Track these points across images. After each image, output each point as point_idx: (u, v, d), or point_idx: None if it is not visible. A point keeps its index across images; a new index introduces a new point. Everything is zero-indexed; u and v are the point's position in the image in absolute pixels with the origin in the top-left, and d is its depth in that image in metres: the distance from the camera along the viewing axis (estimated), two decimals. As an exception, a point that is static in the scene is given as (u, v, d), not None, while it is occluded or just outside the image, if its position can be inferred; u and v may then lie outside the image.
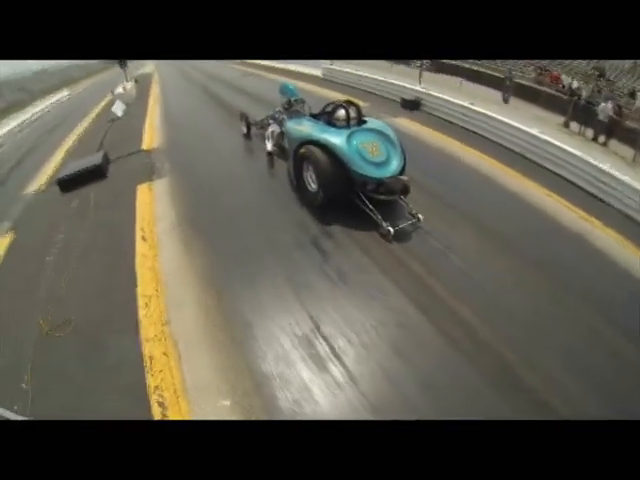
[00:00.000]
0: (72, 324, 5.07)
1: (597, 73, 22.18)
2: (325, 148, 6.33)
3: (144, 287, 5.47)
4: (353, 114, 6.88)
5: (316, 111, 8.19)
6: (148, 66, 47.80)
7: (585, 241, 6.26)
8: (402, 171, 6.43)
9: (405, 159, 6.61)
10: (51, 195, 9.75)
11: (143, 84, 26.86)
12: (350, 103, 7.10)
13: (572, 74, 21.75)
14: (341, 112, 6.83)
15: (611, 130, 12.03)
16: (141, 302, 5.19)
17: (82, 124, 18.70)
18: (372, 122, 7.06)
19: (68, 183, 9.60)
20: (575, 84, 17.44)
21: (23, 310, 5.65)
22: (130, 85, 23.29)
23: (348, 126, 6.69)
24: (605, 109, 11.62)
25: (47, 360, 4.66)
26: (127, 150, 11.63)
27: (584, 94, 15.71)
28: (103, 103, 22.63)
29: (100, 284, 5.79)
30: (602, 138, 12.02)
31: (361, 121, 6.97)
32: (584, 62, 25.61)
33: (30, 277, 6.38)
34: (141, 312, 5.02)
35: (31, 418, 3.81)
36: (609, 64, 25.13)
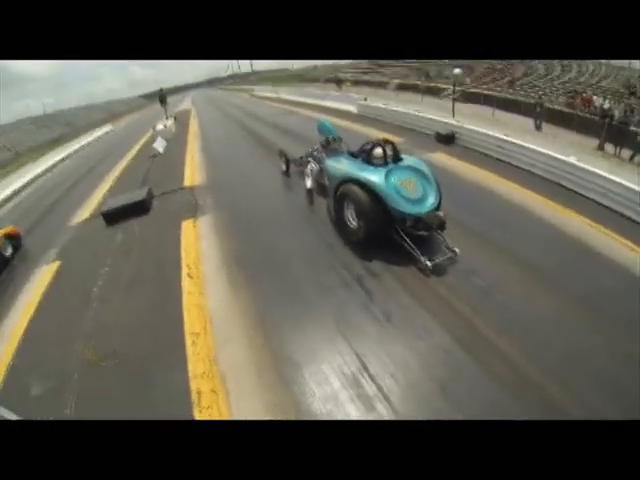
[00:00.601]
0: (118, 356, 5.23)
1: (629, 91, 21.87)
2: (364, 186, 6.46)
3: (191, 324, 5.60)
4: (390, 152, 7.02)
5: (353, 148, 8.37)
6: (186, 103, 49.92)
7: (628, 270, 6.04)
8: (438, 207, 6.50)
9: (441, 195, 6.67)
10: (96, 227, 10.20)
11: (181, 120, 28.03)
12: (387, 141, 7.24)
13: (602, 94, 21.54)
14: (378, 150, 6.97)
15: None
16: (188, 339, 5.31)
17: (125, 159, 19.61)
18: (408, 159, 7.18)
19: (113, 216, 10.06)
20: (607, 105, 17.23)
21: (69, 337, 5.88)
22: (170, 122, 24.36)
23: (385, 164, 6.83)
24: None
25: (93, 388, 4.81)
26: (169, 186, 12.10)
27: (617, 114, 15.50)
28: (144, 139, 23.66)
29: (146, 319, 5.95)
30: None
31: (397, 158, 7.08)
32: (614, 81, 25.40)
33: (76, 306, 6.65)
34: (189, 349, 5.12)
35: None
36: None
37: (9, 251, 9.43)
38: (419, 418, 3.92)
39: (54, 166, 24.68)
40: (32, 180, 21.27)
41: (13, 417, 3.84)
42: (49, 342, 5.89)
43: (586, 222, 7.47)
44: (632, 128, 13.60)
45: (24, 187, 19.87)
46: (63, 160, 26.50)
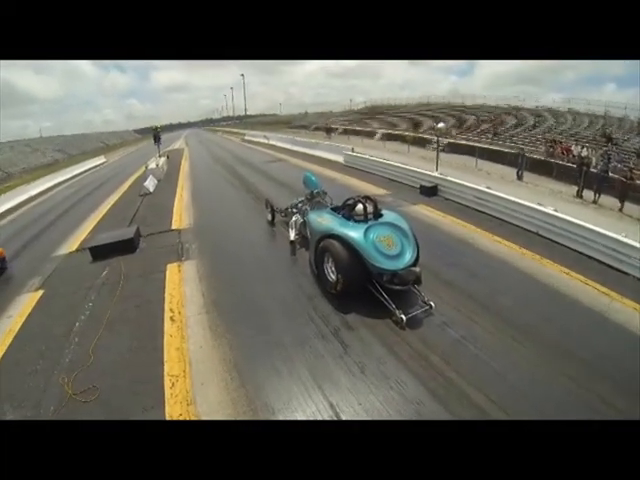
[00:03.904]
0: (97, 392, 5.25)
1: (604, 139, 22.77)
2: (344, 241, 6.74)
3: (171, 367, 5.68)
4: (370, 209, 7.35)
5: (336, 201, 8.81)
6: (179, 142, 50.62)
7: (605, 317, 6.31)
8: (415, 262, 6.77)
9: (418, 250, 6.96)
10: (82, 260, 10.30)
11: (173, 160, 28.51)
12: (368, 198, 7.62)
13: (580, 142, 22.48)
14: (359, 207, 7.31)
15: (624, 194, 12.59)
16: (167, 381, 5.38)
17: (115, 194, 19.96)
18: (388, 215, 7.52)
19: (100, 252, 10.18)
20: (584, 153, 17.93)
21: (47, 369, 5.88)
22: (162, 161, 24.80)
23: (366, 220, 7.15)
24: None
25: None
26: (157, 227, 12.37)
27: (593, 161, 16.14)
28: (136, 175, 24.07)
29: (127, 358, 5.99)
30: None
31: (378, 215, 7.41)
32: (591, 129, 26.60)
33: (57, 338, 6.67)
34: (167, 391, 5.20)
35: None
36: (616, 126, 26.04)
37: None
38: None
39: (45, 192, 24.86)
40: (22, 204, 21.47)
41: None
42: (27, 372, 5.86)
43: (563, 270, 7.82)
44: (611, 175, 14.28)
45: (13, 209, 20.10)
46: (54, 187, 26.72)
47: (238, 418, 4.65)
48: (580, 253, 8.55)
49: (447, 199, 13.27)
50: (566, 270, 7.85)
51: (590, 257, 8.33)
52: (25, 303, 8.21)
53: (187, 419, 4.58)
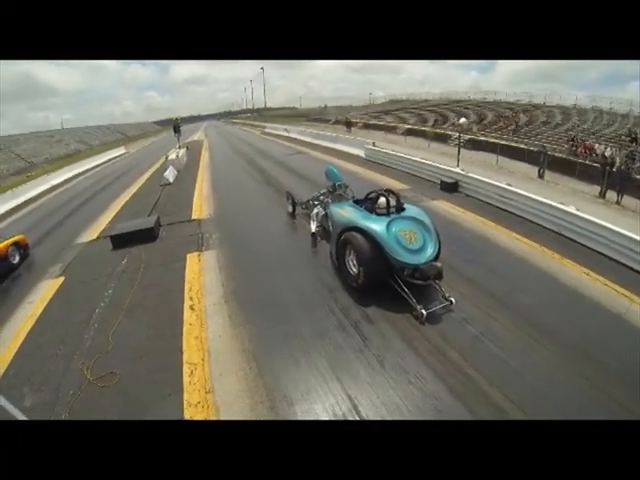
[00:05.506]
0: (116, 378, 5.34)
1: (629, 138, 22.25)
2: (366, 234, 6.69)
3: (190, 355, 5.72)
4: (393, 202, 7.28)
5: (358, 195, 8.71)
6: (198, 134, 50.91)
7: (624, 320, 6.14)
8: (437, 257, 6.71)
9: (440, 245, 6.88)
10: (102, 249, 10.49)
11: (193, 151, 28.72)
12: (390, 192, 7.54)
13: (603, 141, 21.96)
14: (382, 200, 7.24)
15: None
16: (186, 369, 5.43)
17: (136, 184, 20.25)
18: (410, 209, 7.42)
19: (120, 240, 10.33)
20: (608, 152, 17.48)
21: (67, 353, 6.02)
22: (182, 152, 24.96)
23: (388, 214, 7.07)
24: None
25: (86, 407, 4.89)
26: (177, 217, 12.51)
27: (617, 161, 15.72)
28: (156, 166, 24.34)
29: (146, 345, 6.07)
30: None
31: (400, 209, 7.33)
32: (615, 128, 25.99)
33: (77, 324, 6.81)
34: (186, 378, 5.24)
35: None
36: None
37: (17, 259, 9.91)
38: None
39: (66, 181, 25.34)
40: (44, 192, 22.00)
41: (21, 417, 3.86)
42: (47, 356, 6.00)
43: (583, 271, 7.65)
44: (635, 175, 13.90)
45: (36, 198, 20.62)
46: (76, 177, 27.21)
47: (256, 407, 4.69)
48: (601, 254, 8.34)
49: (468, 195, 13.10)
50: (586, 270, 7.67)
51: (611, 258, 8.12)
52: (47, 289, 8.40)
53: (203, 419, 4.58)
